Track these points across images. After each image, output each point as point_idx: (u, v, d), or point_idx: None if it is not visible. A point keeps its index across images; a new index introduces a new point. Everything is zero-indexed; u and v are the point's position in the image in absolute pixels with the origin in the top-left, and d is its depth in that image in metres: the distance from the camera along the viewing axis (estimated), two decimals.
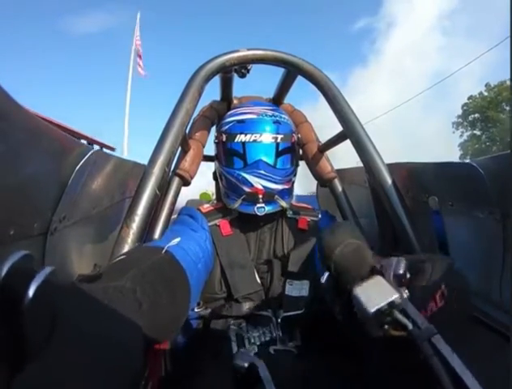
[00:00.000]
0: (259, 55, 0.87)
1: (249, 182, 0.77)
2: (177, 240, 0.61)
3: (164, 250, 0.51)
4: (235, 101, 1.09)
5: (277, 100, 1.08)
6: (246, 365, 0.41)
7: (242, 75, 0.95)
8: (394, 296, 0.36)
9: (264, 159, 0.77)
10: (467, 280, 0.51)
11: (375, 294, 0.37)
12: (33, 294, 0.20)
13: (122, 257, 0.48)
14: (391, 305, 0.36)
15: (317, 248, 0.43)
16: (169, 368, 0.71)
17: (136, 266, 0.42)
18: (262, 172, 0.76)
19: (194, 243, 0.68)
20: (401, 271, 0.39)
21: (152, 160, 0.73)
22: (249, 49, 0.87)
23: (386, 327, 0.37)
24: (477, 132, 18.14)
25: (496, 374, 0.31)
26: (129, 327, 0.31)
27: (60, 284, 0.24)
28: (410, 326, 0.35)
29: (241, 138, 0.78)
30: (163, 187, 0.80)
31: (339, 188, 1.05)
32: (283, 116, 0.84)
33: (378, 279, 0.38)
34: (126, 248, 0.65)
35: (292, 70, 0.91)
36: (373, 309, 0.35)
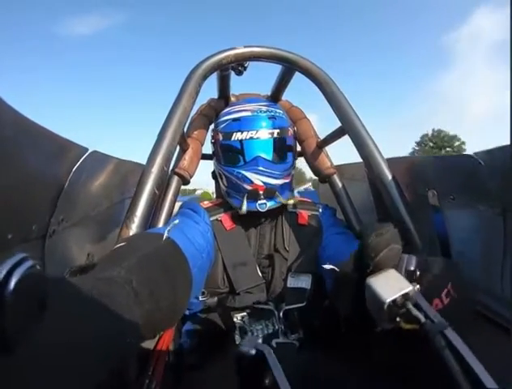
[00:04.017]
0: (256, 52, 0.87)
1: (249, 179, 0.77)
2: (179, 226, 0.60)
3: (165, 237, 0.50)
4: (232, 99, 1.08)
5: (275, 97, 1.07)
6: (253, 352, 0.40)
7: (239, 73, 0.94)
8: (409, 288, 0.36)
9: (262, 155, 0.77)
10: (468, 281, 0.51)
11: (390, 286, 0.37)
12: (14, 286, 0.20)
13: (122, 244, 0.47)
14: (405, 297, 0.36)
15: (358, 245, 0.42)
16: (172, 361, 0.71)
17: (134, 254, 0.42)
18: (261, 168, 0.76)
19: (197, 233, 0.68)
20: (412, 268, 0.39)
21: (151, 160, 0.72)
22: (245, 47, 0.86)
23: (398, 319, 0.37)
24: None
25: (496, 368, 0.31)
26: (121, 317, 0.31)
27: (45, 277, 0.24)
28: (422, 319, 0.35)
29: (237, 136, 0.78)
30: (162, 186, 0.79)
31: (339, 184, 1.04)
32: (278, 111, 0.83)
33: (392, 271, 0.39)
34: None
35: (290, 67, 0.91)
36: (388, 300, 0.35)
